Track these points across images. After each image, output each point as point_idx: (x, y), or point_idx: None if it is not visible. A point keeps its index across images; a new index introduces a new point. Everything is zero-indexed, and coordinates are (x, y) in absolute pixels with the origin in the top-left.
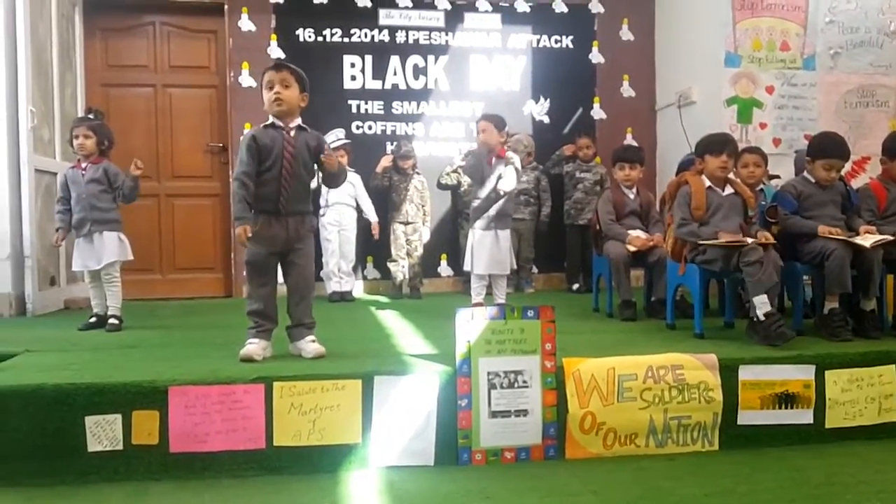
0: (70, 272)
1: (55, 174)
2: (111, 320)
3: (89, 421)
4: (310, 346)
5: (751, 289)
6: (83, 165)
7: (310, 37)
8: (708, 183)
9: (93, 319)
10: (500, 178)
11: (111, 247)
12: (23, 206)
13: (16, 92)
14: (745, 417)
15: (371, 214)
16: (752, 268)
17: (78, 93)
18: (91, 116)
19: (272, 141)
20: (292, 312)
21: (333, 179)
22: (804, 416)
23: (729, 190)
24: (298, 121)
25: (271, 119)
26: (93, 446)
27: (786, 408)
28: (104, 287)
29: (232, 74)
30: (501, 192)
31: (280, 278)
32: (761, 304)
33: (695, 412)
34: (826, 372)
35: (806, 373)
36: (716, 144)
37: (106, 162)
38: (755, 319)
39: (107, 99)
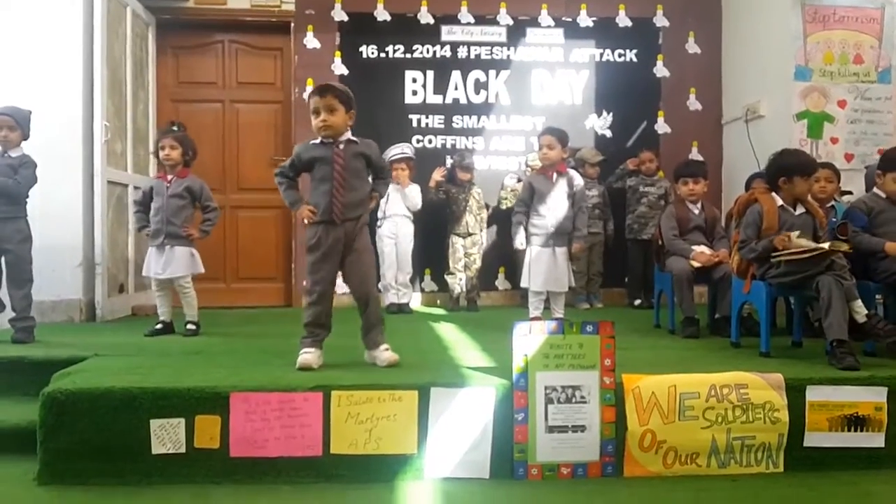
0: (138, 279)
1: (126, 186)
2: (188, 326)
3: (154, 424)
4: (384, 354)
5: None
6: (169, 178)
7: (373, 53)
8: (780, 202)
9: (159, 326)
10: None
11: (181, 260)
12: (95, 216)
13: (91, 107)
14: (813, 439)
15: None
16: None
17: (150, 108)
18: (175, 129)
19: (321, 155)
20: (363, 319)
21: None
22: (875, 440)
23: (801, 209)
24: (348, 135)
25: (320, 139)
26: (157, 449)
27: (855, 430)
28: (181, 297)
29: (297, 90)
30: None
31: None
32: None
33: (759, 433)
34: None
35: (877, 395)
36: (793, 170)
37: (191, 177)
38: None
39: (177, 114)
